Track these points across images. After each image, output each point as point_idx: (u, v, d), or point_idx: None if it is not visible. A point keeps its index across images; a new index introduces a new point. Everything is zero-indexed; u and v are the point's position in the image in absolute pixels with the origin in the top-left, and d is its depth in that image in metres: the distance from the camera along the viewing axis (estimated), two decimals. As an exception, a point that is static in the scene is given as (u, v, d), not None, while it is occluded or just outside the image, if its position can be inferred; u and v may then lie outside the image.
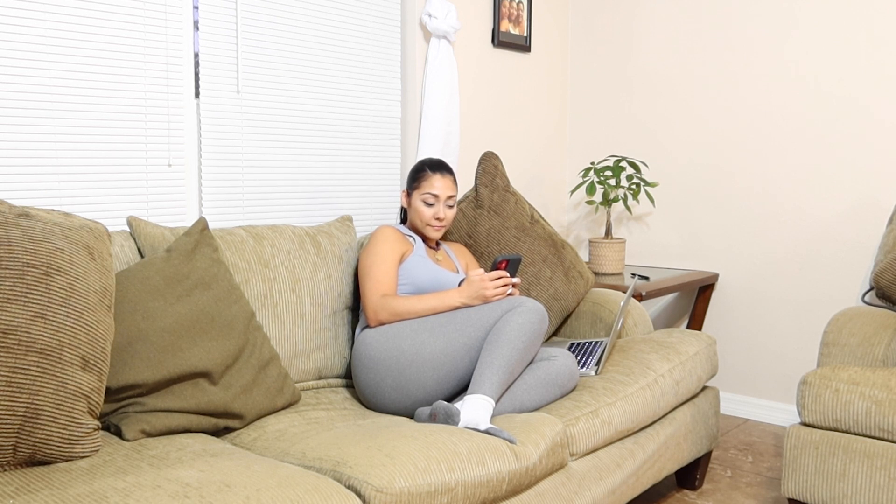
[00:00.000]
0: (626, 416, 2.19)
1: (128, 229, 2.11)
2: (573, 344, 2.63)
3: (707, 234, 3.52)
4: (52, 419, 1.56)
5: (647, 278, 3.21)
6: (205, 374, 1.86)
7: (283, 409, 2.07)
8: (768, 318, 3.37)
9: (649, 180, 3.66)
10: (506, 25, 3.43)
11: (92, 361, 1.64)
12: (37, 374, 1.54)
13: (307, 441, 1.80)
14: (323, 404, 2.15)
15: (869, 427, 2.15)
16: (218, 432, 1.92)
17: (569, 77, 3.90)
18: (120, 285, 1.84)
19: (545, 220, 2.90)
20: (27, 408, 1.53)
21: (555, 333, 2.88)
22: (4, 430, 1.51)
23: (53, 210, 1.78)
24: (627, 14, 3.68)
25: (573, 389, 2.25)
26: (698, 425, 2.57)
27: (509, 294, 2.24)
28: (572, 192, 3.56)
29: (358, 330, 2.32)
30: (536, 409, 2.13)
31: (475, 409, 1.92)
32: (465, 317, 2.12)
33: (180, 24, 2.38)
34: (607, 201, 3.44)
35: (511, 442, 1.84)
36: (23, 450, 1.55)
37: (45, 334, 1.56)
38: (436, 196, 2.39)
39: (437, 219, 2.40)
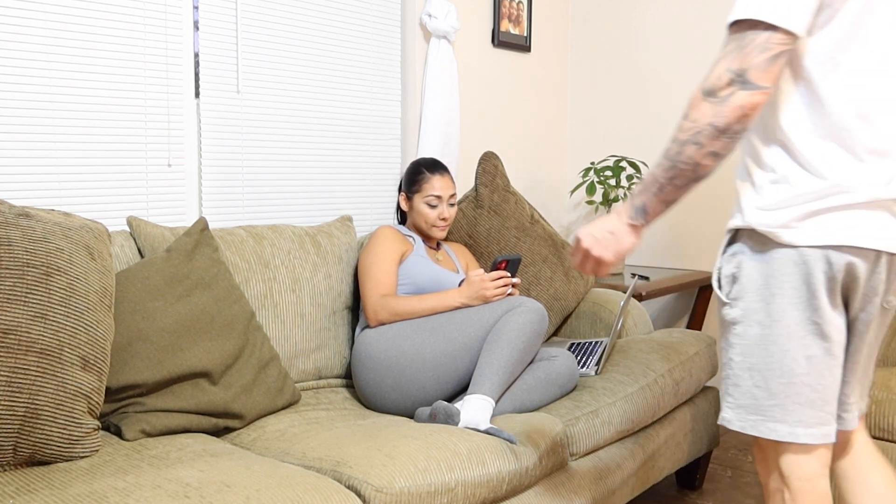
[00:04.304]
0: (626, 416, 2.19)
1: (128, 229, 2.11)
2: (573, 344, 2.63)
3: (707, 235, 3.51)
4: (52, 419, 1.56)
5: (647, 278, 3.21)
6: (205, 374, 1.86)
7: (283, 409, 2.07)
8: (768, 318, 3.36)
9: (649, 180, 3.65)
10: (506, 25, 3.43)
11: (92, 361, 1.64)
12: (37, 374, 1.54)
13: (307, 441, 1.80)
14: (323, 404, 2.15)
15: (869, 427, 2.15)
16: (218, 432, 1.92)
17: (569, 77, 3.90)
18: (120, 285, 1.84)
19: (545, 220, 2.90)
20: (27, 408, 1.53)
21: (555, 333, 2.89)
22: (4, 430, 1.51)
23: (53, 210, 1.78)
24: (627, 14, 3.68)
25: (573, 389, 2.25)
26: (698, 425, 2.58)
27: (509, 294, 2.24)
28: (572, 192, 3.56)
29: (358, 330, 2.32)
30: (536, 409, 2.13)
31: (475, 409, 1.92)
32: (465, 317, 2.12)
33: (180, 24, 2.38)
34: (607, 201, 3.44)
35: (511, 442, 1.84)
36: (23, 450, 1.55)
37: (45, 334, 1.56)
38: (439, 197, 2.39)
39: (443, 219, 2.40)
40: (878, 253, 1.34)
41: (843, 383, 1.49)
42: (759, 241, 1.36)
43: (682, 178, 1.34)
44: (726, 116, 1.25)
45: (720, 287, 1.42)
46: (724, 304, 1.42)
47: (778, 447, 1.40)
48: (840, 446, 1.56)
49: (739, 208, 1.39)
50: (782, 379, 1.36)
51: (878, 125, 1.31)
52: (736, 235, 1.41)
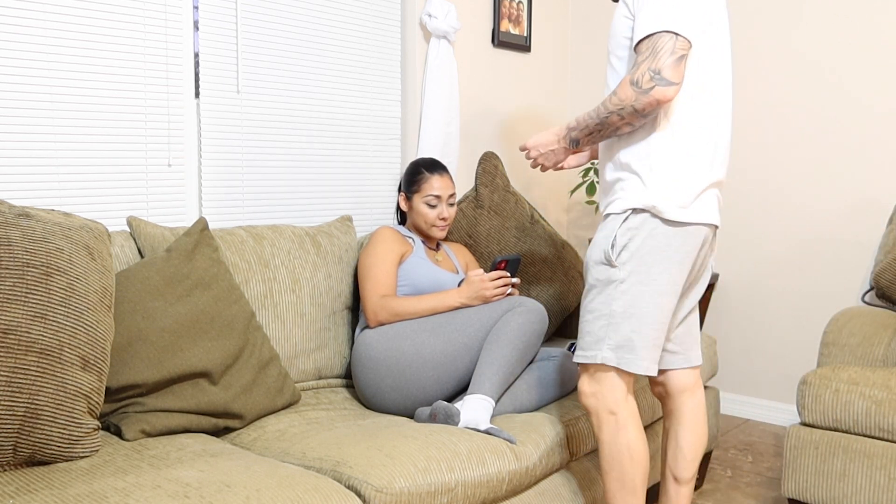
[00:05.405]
0: (626, 416, 2.19)
1: (128, 229, 2.11)
2: (573, 344, 2.63)
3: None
4: (52, 419, 1.56)
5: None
6: (205, 374, 1.86)
7: (283, 409, 2.07)
8: (768, 318, 3.37)
9: (649, 180, 3.65)
10: (506, 25, 3.43)
11: (92, 361, 1.64)
12: (37, 374, 1.54)
13: (307, 441, 1.80)
14: (323, 404, 2.15)
15: (869, 427, 2.15)
16: (218, 432, 1.92)
17: (569, 77, 3.90)
18: (120, 285, 1.84)
19: (545, 220, 2.90)
20: (27, 408, 1.53)
21: (555, 333, 2.89)
22: (4, 430, 1.51)
23: (53, 210, 1.78)
24: (627, 14, 3.68)
25: (573, 389, 2.25)
26: (698, 425, 2.57)
27: (509, 294, 2.24)
28: (572, 192, 3.56)
29: (358, 330, 2.32)
30: (536, 409, 2.13)
31: (475, 409, 1.92)
32: (464, 317, 2.12)
33: (180, 24, 2.38)
34: (607, 201, 3.43)
35: (511, 442, 1.84)
36: (23, 450, 1.55)
37: (45, 334, 1.56)
38: (438, 197, 2.39)
39: (442, 219, 2.40)
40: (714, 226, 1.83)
41: (690, 325, 1.97)
42: (653, 218, 1.73)
43: (605, 132, 1.78)
44: (644, 103, 1.67)
45: (612, 252, 1.76)
46: (613, 266, 1.76)
47: (617, 379, 1.78)
48: (693, 379, 2.00)
49: (643, 189, 1.74)
50: (653, 326, 1.75)
51: (717, 130, 1.80)
52: (631, 214, 1.75)
